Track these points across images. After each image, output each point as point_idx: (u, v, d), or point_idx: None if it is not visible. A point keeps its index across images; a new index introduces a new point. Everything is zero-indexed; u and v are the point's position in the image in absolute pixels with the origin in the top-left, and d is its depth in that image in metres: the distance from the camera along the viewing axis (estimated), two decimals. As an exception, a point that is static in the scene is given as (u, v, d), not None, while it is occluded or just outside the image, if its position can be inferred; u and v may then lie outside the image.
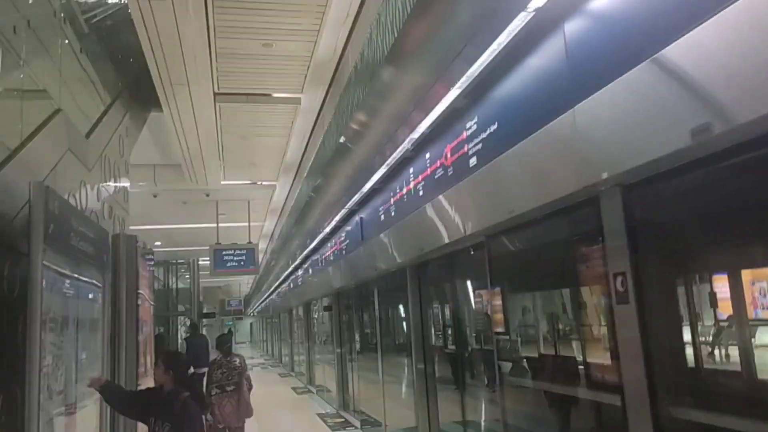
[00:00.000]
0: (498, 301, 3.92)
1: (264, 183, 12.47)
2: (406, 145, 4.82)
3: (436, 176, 4.43)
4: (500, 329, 3.89)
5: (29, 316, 2.68)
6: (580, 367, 3.17)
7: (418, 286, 5.82)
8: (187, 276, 26.24)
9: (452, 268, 5.18)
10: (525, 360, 3.80)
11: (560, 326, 3.56)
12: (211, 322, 36.12)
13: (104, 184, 5.41)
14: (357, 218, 7.25)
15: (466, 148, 3.85)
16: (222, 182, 11.87)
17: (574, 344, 3.30)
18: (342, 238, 8.37)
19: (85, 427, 3.69)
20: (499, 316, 3.88)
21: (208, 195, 12.68)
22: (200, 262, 25.08)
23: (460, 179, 3.92)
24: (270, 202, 14.26)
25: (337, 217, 7.92)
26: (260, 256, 19.05)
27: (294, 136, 9.32)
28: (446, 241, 4.30)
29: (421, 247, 4.89)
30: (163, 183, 11.39)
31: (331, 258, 9.34)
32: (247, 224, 14.86)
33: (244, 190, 12.97)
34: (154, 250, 20.94)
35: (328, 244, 9.63)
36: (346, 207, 7.27)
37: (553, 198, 2.87)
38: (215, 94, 7.51)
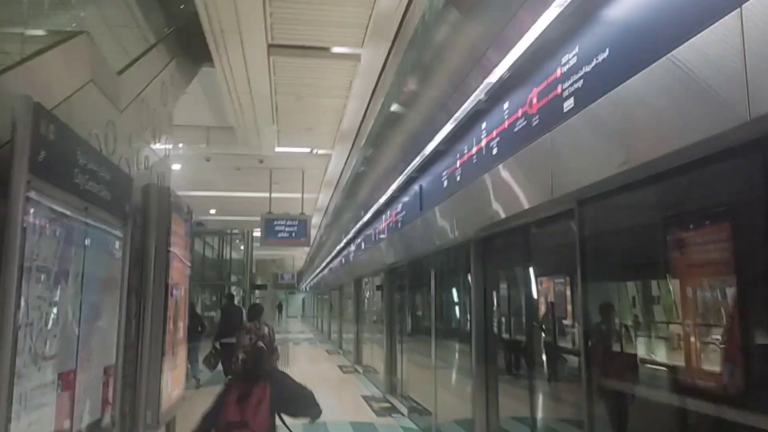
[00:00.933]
0: (584, 290, 3.16)
1: (319, 152, 11.91)
2: (478, 95, 4.09)
3: (516, 128, 3.68)
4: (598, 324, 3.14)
5: (4, 259, 2.14)
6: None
7: (483, 264, 5.09)
8: (242, 247, 26.36)
9: (527, 246, 4.41)
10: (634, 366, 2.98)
11: (690, 327, 2.76)
12: (263, 294, 36.44)
13: (140, 130, 4.91)
14: (416, 186, 6.57)
15: (559, 89, 3.08)
16: (276, 149, 11.38)
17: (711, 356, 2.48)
18: (398, 210, 7.72)
19: (91, 397, 3.17)
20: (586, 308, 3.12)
21: (261, 161, 12.25)
22: (255, 234, 25.14)
23: (549, 129, 3.16)
24: (325, 173, 13.71)
25: (394, 186, 7.28)
26: (313, 231, 18.65)
27: (352, 98, 8.65)
28: (525, 207, 3.55)
29: (490, 216, 4.16)
30: (216, 146, 11.00)
31: (385, 232, 8.71)
32: (300, 195, 14.41)
33: (299, 158, 12.46)
34: (209, 218, 21.01)
35: (383, 217, 9.01)
36: (405, 173, 6.60)
37: (707, 135, 2.04)
38: (269, 45, 6.91)
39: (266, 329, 6.63)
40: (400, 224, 7.56)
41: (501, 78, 3.78)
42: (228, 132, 10.73)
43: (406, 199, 7.28)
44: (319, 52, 7.15)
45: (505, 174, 3.83)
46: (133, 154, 4.58)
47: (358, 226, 11.59)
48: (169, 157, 6.33)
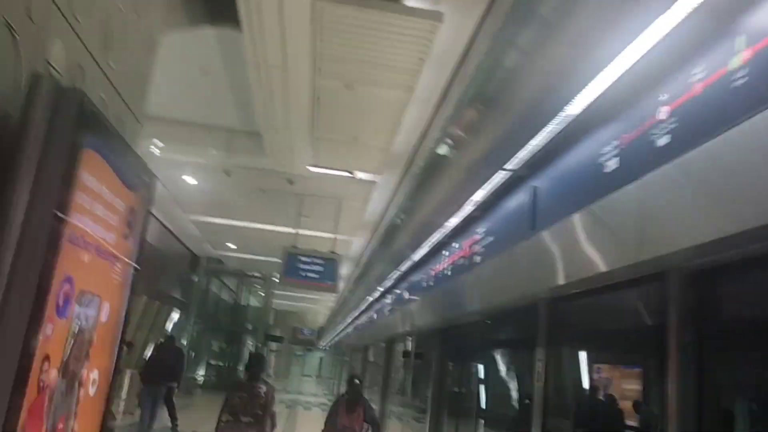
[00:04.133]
0: None
1: (362, 176, 9.72)
2: None
3: None
4: None
5: None
6: None
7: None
8: (262, 293, 24.11)
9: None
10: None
11: None
12: (279, 348, 33.84)
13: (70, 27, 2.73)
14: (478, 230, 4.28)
15: None
16: (310, 168, 9.24)
17: None
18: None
19: None
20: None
21: (291, 183, 10.12)
22: (276, 279, 22.83)
23: None
24: (365, 209, 11.47)
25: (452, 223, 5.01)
26: (340, 283, 16.26)
27: (420, 89, 6.48)
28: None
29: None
30: (238, 155, 8.94)
31: (446, 274, 6.36)
32: (332, 236, 12.16)
33: (336, 184, 10.30)
34: (227, 254, 18.85)
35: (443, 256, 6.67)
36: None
37: None
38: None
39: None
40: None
41: None
42: (254, 139, 8.66)
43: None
44: (385, 3, 5.06)
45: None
46: (33, 42, 2.39)
47: (399, 272, 9.28)
48: (146, 86, 4.03)
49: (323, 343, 40.51)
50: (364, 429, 6.09)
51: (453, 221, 6.11)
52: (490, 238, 4.96)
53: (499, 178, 4.46)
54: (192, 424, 13.05)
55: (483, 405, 5.39)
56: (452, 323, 6.30)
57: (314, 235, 13.06)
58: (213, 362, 23.22)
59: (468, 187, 5.11)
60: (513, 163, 4.09)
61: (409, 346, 10.40)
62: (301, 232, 11.79)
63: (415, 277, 8.53)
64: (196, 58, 7.06)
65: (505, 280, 4.43)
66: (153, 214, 13.15)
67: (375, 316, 13.36)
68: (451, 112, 6.20)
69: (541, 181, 3.93)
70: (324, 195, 10.83)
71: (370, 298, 13.63)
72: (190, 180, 10.71)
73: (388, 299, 11.33)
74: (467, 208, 5.39)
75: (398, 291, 10.24)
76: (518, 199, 4.40)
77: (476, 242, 5.37)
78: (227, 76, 7.32)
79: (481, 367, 5.92)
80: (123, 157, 2.65)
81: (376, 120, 7.39)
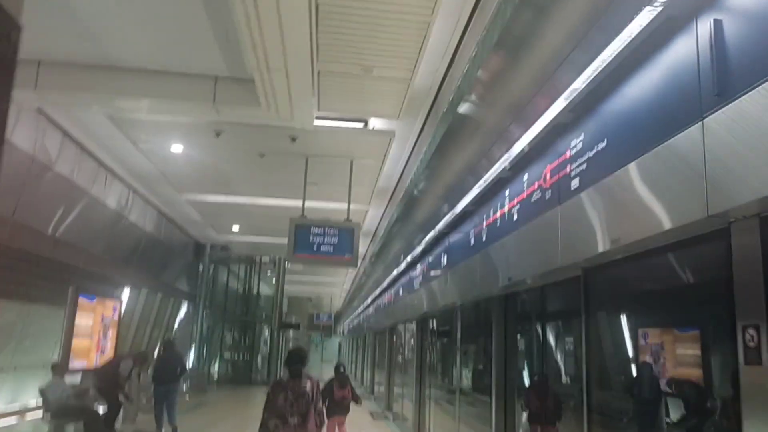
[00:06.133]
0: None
1: (377, 126, 8.16)
2: None
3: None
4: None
5: None
6: None
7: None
8: (273, 278, 22.71)
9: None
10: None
11: None
12: (297, 335, 32.51)
13: None
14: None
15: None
16: (315, 120, 7.69)
17: None
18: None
19: None
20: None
21: (294, 140, 8.56)
22: (288, 265, 21.35)
23: None
24: (380, 169, 9.90)
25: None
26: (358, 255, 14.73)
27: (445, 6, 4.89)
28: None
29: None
30: (227, 106, 7.34)
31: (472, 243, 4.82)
32: (345, 206, 10.56)
33: (347, 139, 8.76)
34: (233, 238, 17.40)
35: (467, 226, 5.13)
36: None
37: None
38: None
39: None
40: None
41: None
42: (245, 86, 7.10)
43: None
44: None
45: None
46: None
47: (424, 243, 7.74)
48: None
49: (341, 327, 39.28)
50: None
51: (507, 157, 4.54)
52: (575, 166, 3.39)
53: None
54: (200, 428, 11.75)
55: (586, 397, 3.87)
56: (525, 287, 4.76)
57: (324, 207, 11.55)
58: (227, 356, 21.93)
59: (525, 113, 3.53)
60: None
61: (445, 323, 8.92)
62: (309, 204, 10.21)
63: (455, 239, 6.99)
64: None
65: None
66: (148, 201, 11.68)
67: (401, 292, 11.86)
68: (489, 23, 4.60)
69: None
70: (333, 154, 9.27)
71: (395, 272, 12.12)
72: (176, 148, 9.17)
73: (417, 271, 9.81)
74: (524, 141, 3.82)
75: (429, 260, 8.72)
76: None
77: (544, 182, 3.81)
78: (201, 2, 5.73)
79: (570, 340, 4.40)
80: None
81: (394, 40, 5.78)
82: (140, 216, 12.43)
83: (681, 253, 2.85)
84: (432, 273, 8.47)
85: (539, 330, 5.37)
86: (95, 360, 11.67)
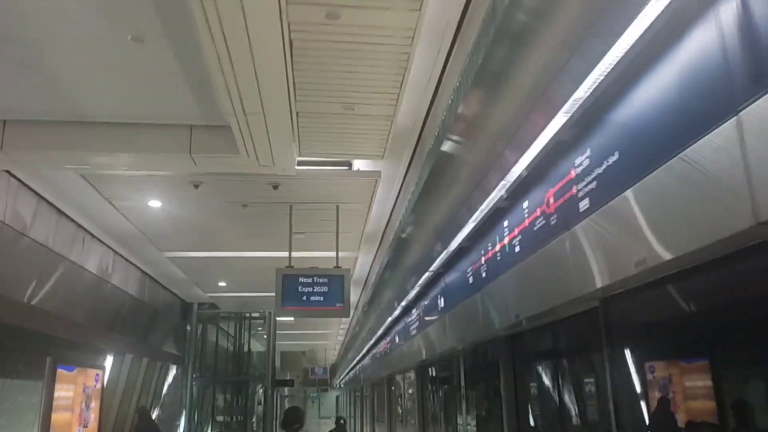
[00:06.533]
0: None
1: (362, 167, 7.89)
2: None
3: None
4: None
5: None
6: None
7: None
8: (264, 334, 22.00)
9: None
10: None
11: None
12: (291, 392, 31.43)
13: None
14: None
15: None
16: (297, 165, 7.38)
17: None
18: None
19: None
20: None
21: (276, 187, 8.23)
22: (278, 319, 20.74)
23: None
24: (368, 213, 9.58)
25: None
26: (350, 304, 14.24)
27: (424, 39, 4.68)
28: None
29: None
30: (205, 156, 7.02)
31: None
32: (333, 254, 10.15)
33: (332, 182, 8.43)
34: (220, 295, 16.86)
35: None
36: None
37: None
38: None
39: None
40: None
41: None
42: (222, 134, 6.78)
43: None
44: None
45: None
46: None
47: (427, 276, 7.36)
48: None
49: (336, 380, 38.23)
50: None
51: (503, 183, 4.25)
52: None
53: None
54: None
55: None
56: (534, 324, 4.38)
57: (312, 256, 11.14)
58: (220, 418, 20.98)
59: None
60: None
61: (446, 370, 8.46)
62: (296, 254, 9.81)
63: (451, 279, 6.63)
64: (124, 22, 5.25)
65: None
66: (130, 261, 11.19)
67: (397, 339, 11.38)
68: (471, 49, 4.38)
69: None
70: (318, 200, 8.94)
71: (390, 319, 11.66)
72: (155, 203, 8.80)
73: (413, 316, 9.39)
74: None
75: (425, 304, 8.32)
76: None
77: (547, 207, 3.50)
78: (169, 45, 5.46)
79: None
80: None
81: (373, 73, 5.52)
82: (122, 278, 11.95)
83: (722, 271, 2.51)
84: (428, 318, 8.07)
85: (551, 370, 4.96)
86: (78, 434, 10.98)
